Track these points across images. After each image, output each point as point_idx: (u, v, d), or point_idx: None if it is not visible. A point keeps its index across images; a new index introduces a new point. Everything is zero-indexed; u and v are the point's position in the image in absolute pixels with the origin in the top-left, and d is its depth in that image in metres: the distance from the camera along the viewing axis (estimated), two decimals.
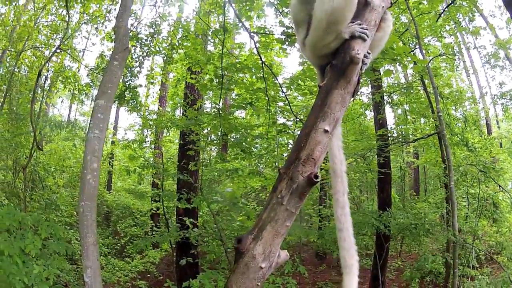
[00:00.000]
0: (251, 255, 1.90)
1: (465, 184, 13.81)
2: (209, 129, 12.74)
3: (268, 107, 9.54)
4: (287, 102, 9.72)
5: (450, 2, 11.10)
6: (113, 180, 25.93)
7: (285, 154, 11.57)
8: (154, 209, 19.54)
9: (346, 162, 2.70)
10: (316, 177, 1.90)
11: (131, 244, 16.43)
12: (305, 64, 9.41)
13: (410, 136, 16.86)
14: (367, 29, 2.14)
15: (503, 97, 17.20)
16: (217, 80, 9.90)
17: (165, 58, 13.14)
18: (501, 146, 20.05)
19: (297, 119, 10.00)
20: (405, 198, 19.24)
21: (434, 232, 13.37)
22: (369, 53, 2.23)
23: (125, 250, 18.47)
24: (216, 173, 14.69)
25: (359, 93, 14.01)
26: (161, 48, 12.50)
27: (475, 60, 24.95)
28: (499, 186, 13.49)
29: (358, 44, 2.09)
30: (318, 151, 1.93)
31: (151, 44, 11.91)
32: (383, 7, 2.25)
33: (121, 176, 25.44)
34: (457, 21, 13.75)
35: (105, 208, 21.76)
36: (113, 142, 24.67)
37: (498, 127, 25.25)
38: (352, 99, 2.17)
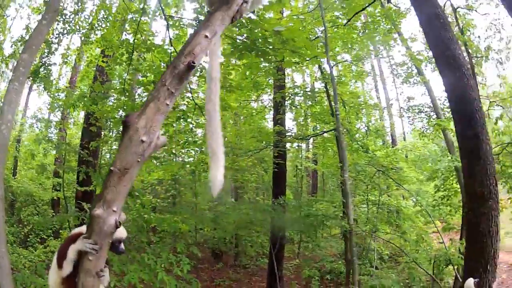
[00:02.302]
0: (135, 128, 2.09)
1: (365, 190, 14.35)
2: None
3: None
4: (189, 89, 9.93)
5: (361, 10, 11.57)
6: (18, 166, 24.93)
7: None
8: (55, 198, 19.02)
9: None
10: (194, 63, 2.22)
11: (34, 233, 15.92)
12: None
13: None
14: None
15: (410, 111, 17.99)
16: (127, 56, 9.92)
17: (82, 38, 12.94)
18: (406, 157, 20.97)
19: (197, 105, 10.15)
20: (301, 200, 19.72)
21: (330, 226, 13.74)
22: None
23: (28, 239, 17.78)
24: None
25: None
26: (80, 28, 12.33)
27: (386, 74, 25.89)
28: (398, 183, 13.98)
29: None
30: (198, 49, 2.27)
31: (73, 21, 11.75)
32: None
33: (26, 164, 24.50)
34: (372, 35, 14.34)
35: (10, 195, 20.88)
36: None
37: (404, 139, 26.44)
38: (231, 22, 2.54)
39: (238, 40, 8.35)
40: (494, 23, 17.78)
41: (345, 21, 12.70)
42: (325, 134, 15.96)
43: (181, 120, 11.39)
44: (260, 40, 8.11)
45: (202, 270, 16.37)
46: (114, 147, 16.97)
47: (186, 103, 11.06)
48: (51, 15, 5.94)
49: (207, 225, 14.73)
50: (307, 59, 9.46)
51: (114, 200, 2.08)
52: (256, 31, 8.03)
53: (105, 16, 12.14)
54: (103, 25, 12.12)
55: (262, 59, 8.82)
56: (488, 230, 5.75)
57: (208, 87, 2.62)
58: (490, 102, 15.83)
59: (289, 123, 18.61)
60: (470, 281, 5.29)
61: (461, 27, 17.36)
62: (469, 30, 17.96)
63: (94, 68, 15.72)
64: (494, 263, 5.83)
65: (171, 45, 9.25)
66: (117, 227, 2.11)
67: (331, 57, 15.36)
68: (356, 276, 10.35)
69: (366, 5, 11.37)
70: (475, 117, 6.06)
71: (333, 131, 13.77)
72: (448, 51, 6.49)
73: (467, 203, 6.37)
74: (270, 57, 8.52)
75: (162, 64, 10.11)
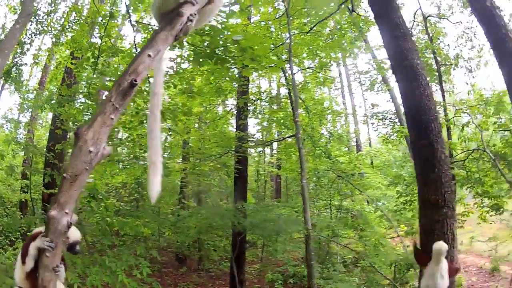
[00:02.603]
0: (84, 140, 2.28)
1: (326, 194, 14.42)
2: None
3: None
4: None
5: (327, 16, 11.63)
6: None
7: None
8: (23, 199, 18.69)
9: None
10: (136, 81, 2.39)
11: (4, 235, 15.67)
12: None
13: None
14: None
15: (374, 118, 18.19)
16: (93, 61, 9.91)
17: (53, 39, 12.89)
18: (372, 163, 21.21)
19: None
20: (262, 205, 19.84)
21: (288, 229, 13.79)
22: (195, 14, 2.77)
23: None
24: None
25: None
26: (52, 28, 12.27)
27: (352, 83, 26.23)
28: (358, 189, 14.09)
29: (188, 6, 2.70)
30: (141, 67, 2.45)
31: (45, 22, 11.69)
32: None
33: None
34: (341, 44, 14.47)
35: None
36: None
37: (370, 145, 26.72)
38: (174, 40, 2.69)
39: (199, 48, 8.40)
40: (466, 31, 18.03)
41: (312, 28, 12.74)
42: (289, 140, 16.05)
43: (144, 124, 11.34)
44: (220, 48, 8.17)
45: (166, 274, 16.22)
46: None
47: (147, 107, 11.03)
48: (24, 19, 6.06)
49: (169, 230, 14.68)
50: (266, 66, 9.47)
51: (66, 203, 2.29)
52: (218, 38, 8.08)
53: (76, 18, 12.06)
54: (74, 27, 12.07)
55: (221, 66, 8.81)
56: (444, 238, 5.72)
57: (151, 101, 2.78)
58: (456, 109, 16.01)
59: (256, 128, 18.76)
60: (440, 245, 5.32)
61: (430, 35, 17.61)
62: (438, 39, 18.19)
63: (63, 70, 15.53)
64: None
65: (136, 50, 9.23)
66: (68, 227, 2.30)
67: (297, 64, 15.49)
68: (314, 280, 10.41)
69: (330, 14, 11.40)
70: (430, 126, 6.10)
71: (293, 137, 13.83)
72: (406, 60, 6.53)
73: (421, 210, 6.30)
74: (229, 65, 8.56)
75: None
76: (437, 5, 18.25)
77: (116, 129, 12.71)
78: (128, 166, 14.90)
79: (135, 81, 2.40)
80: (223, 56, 8.13)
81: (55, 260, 2.34)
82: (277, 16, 13.89)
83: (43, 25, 11.94)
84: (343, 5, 11.60)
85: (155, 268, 14.70)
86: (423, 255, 5.59)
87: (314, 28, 12.67)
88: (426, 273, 5.37)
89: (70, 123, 12.79)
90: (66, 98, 11.11)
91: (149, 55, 2.50)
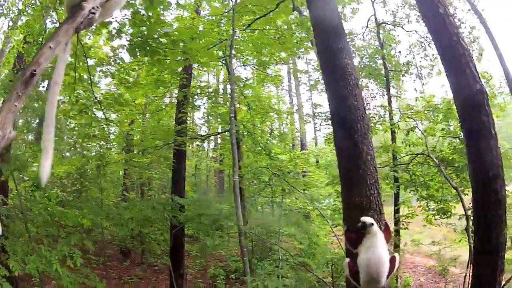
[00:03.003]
0: None
1: (267, 191, 14.47)
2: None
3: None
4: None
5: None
6: None
7: None
8: None
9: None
10: (35, 71, 2.48)
11: None
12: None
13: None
14: None
15: (317, 118, 18.41)
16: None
17: (10, 23, 12.71)
18: (317, 163, 21.43)
19: (97, 99, 10.08)
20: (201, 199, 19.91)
21: (224, 224, 13.86)
22: (97, 7, 2.86)
23: None
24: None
25: None
26: (10, 11, 12.04)
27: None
28: (294, 187, 14.17)
29: (91, 0, 2.82)
30: (42, 58, 2.54)
31: (4, 6, 11.50)
32: None
33: None
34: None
35: None
36: None
37: (316, 144, 27.01)
38: (75, 33, 2.81)
39: (133, 39, 8.38)
40: (421, 40, 18.34)
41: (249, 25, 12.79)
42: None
43: (83, 113, 11.24)
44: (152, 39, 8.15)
45: (111, 268, 16.12)
46: (30, 137, 16.68)
47: (88, 96, 10.97)
48: None
49: (107, 222, 14.50)
50: (201, 61, 9.46)
51: None
52: (152, 30, 8.06)
53: (32, 2, 11.84)
54: (29, 11, 11.86)
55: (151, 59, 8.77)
56: None
57: (50, 89, 2.97)
58: (402, 114, 16.25)
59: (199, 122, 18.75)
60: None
61: (382, 41, 17.86)
62: (390, 45, 18.44)
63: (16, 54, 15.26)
64: None
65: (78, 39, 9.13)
66: None
67: (244, 61, 15.52)
68: (248, 276, 10.39)
69: (269, 11, 11.40)
70: (355, 126, 6.00)
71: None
72: (336, 60, 6.43)
73: (345, 211, 6.12)
74: (160, 57, 8.52)
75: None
76: (393, 13, 18.50)
77: (58, 117, 12.52)
78: (68, 157, 14.71)
79: (35, 71, 2.48)
80: (155, 47, 8.08)
81: None
82: (226, 12, 13.92)
83: (3, 8, 11.76)
84: (290, 8, 11.59)
85: (100, 261, 14.57)
86: (353, 235, 5.38)
87: (253, 24, 12.66)
88: (362, 249, 5.14)
89: None
90: (11, 85, 10.91)
91: (50, 47, 2.57)
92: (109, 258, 16.66)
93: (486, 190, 5.07)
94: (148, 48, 8.15)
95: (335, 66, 6.48)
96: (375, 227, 5.12)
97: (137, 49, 8.27)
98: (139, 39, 8.30)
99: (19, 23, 12.71)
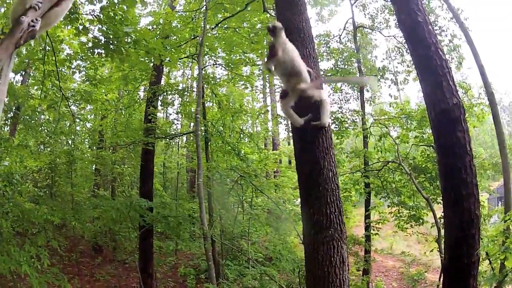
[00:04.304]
0: None
1: (237, 191, 14.49)
2: None
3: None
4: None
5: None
6: None
7: None
8: None
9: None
10: None
11: None
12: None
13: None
14: (41, 2, 2.88)
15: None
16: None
17: None
18: (280, 162, 21.52)
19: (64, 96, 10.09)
20: (178, 197, 19.87)
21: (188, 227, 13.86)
22: (37, 20, 2.85)
23: None
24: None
25: None
26: None
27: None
28: (259, 190, 14.17)
29: (31, 12, 2.81)
30: None
31: None
32: None
33: None
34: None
35: None
36: None
37: (289, 144, 27.09)
38: (15, 48, 2.78)
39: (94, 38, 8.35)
40: (399, 46, 18.34)
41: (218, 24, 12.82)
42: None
43: (51, 109, 11.19)
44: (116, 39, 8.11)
45: (83, 264, 15.95)
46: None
47: (55, 92, 10.92)
48: None
49: (75, 219, 14.43)
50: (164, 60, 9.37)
51: None
52: (116, 29, 8.01)
53: None
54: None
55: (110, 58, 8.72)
56: (329, 260, 5.34)
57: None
58: (374, 120, 16.29)
59: (170, 119, 18.77)
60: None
61: (358, 45, 17.89)
62: (366, 49, 18.46)
63: None
64: None
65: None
66: None
67: (213, 57, 15.50)
68: (214, 280, 10.41)
69: (238, 11, 11.37)
70: (315, 141, 5.66)
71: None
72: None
73: (304, 229, 5.78)
74: (122, 56, 8.45)
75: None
76: (372, 17, 18.52)
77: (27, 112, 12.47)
78: (37, 152, 14.59)
79: None
80: (116, 47, 8.05)
81: None
82: (199, 8, 13.91)
83: None
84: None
85: (72, 258, 14.47)
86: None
87: (229, 22, 12.69)
88: (279, 55, 5.23)
89: None
90: None
91: None
92: (81, 254, 16.55)
93: (458, 208, 4.84)
94: (111, 47, 8.12)
95: None
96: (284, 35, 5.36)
97: (98, 49, 8.25)
98: (103, 38, 8.28)
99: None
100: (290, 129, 18.73)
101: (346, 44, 18.83)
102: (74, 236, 16.42)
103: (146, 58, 9.40)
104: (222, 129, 15.60)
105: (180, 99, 16.84)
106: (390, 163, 15.01)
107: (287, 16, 6.69)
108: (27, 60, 11.54)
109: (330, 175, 5.59)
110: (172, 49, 11.32)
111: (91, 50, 8.48)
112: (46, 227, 12.59)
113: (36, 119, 12.43)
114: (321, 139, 5.66)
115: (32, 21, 2.78)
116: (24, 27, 2.72)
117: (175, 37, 13.53)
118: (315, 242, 5.44)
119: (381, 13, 18.30)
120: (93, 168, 19.63)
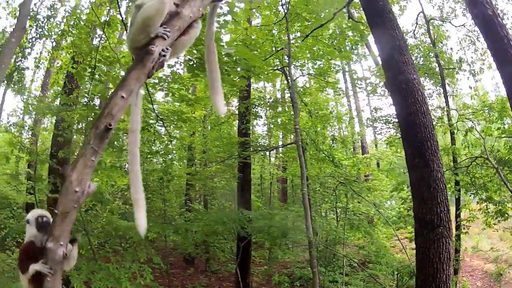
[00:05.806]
0: (69, 181, 2.38)
1: (331, 197, 14.47)
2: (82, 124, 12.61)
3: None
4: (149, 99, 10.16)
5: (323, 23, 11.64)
6: None
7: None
8: (29, 201, 18.83)
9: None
10: (110, 125, 2.44)
11: (11, 236, 15.87)
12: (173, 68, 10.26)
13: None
14: (169, 31, 2.77)
15: (378, 121, 18.19)
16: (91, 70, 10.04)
17: (53, 43, 13.02)
18: (378, 166, 21.22)
19: (159, 117, 10.32)
20: (271, 207, 19.92)
21: (292, 236, 13.93)
22: (167, 49, 2.77)
23: (5, 242, 17.61)
24: None
25: None
26: (52, 32, 12.40)
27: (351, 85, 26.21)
28: (359, 195, 14.12)
29: (159, 41, 2.71)
30: (115, 109, 2.48)
31: (46, 27, 11.85)
32: (191, 17, 2.89)
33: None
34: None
35: None
36: None
37: (376, 147, 26.67)
38: (146, 78, 2.71)
39: (191, 59, 8.52)
40: (469, 34, 17.86)
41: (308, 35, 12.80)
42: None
43: (145, 130, 11.48)
44: None
45: (174, 276, 16.29)
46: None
47: (149, 113, 11.21)
48: (19, 33, 6.16)
49: (173, 234, 14.82)
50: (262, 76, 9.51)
51: (60, 236, 2.43)
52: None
53: (75, 23, 12.14)
54: (73, 31, 12.17)
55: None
56: (439, 257, 5.66)
57: (129, 139, 2.84)
58: (460, 115, 15.92)
59: (260, 131, 18.82)
60: None
61: (433, 38, 17.48)
62: (441, 42, 18.04)
63: (65, 74, 15.62)
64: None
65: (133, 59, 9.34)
66: (64, 257, 2.47)
67: (300, 66, 15.51)
68: (317, 286, 10.46)
69: (326, 21, 11.31)
70: (425, 144, 5.94)
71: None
72: (401, 75, 6.36)
73: (416, 228, 6.11)
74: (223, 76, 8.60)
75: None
76: (440, 8, 18.10)
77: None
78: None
79: (110, 125, 2.47)
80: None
81: (56, 284, 2.50)
82: (276, 20, 13.95)
83: (43, 29, 12.09)
84: (342, 12, 11.47)
85: (164, 269, 14.85)
86: None
87: (312, 33, 12.67)
88: None
89: (72, 129, 12.94)
90: (65, 107, 11.19)
91: (122, 97, 2.55)
92: (172, 265, 16.90)
93: None
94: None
95: (401, 81, 6.41)
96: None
97: (196, 70, 8.43)
98: (199, 59, 8.40)
99: (63, 42, 13.06)
100: (379, 132, 18.75)
101: (420, 38, 18.47)
102: (165, 248, 16.80)
103: (243, 76, 9.50)
104: (315, 136, 15.62)
105: (270, 111, 17.02)
106: (476, 159, 14.64)
107: (379, 23, 7.03)
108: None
109: (439, 176, 5.86)
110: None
111: (189, 70, 8.68)
112: (142, 243, 13.02)
113: (120, 140, 12.72)
114: (429, 143, 5.94)
115: (163, 50, 2.75)
116: (155, 57, 2.69)
117: (255, 51, 13.69)
118: (427, 241, 5.75)
119: (446, 2, 17.85)
120: (185, 183, 20.01)
